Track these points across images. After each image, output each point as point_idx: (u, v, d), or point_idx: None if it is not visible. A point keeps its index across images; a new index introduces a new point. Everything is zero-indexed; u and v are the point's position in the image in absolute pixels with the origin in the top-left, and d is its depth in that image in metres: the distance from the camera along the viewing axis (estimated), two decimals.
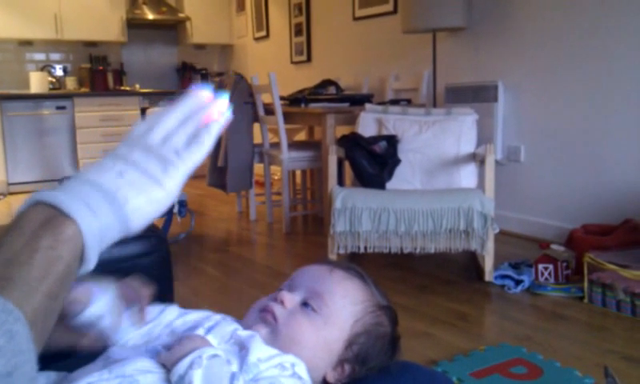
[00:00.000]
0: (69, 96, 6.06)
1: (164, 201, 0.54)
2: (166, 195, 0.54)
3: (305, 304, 0.71)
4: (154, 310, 0.72)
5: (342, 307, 0.71)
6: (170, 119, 0.58)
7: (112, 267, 1.03)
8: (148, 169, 0.54)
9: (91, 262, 0.50)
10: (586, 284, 2.35)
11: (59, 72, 6.40)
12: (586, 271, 2.35)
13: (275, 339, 0.67)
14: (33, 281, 0.45)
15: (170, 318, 0.71)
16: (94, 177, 0.52)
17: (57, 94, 6.07)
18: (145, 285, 0.73)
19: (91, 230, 0.48)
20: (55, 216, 0.48)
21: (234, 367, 0.59)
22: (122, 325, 0.67)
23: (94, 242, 0.49)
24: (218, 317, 0.71)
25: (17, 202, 5.33)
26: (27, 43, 6.23)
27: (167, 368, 0.59)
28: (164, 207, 0.55)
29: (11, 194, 5.74)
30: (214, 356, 0.58)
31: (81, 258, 0.49)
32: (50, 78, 6.22)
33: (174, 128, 0.57)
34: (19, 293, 0.44)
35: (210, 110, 0.59)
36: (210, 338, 0.65)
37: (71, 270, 0.48)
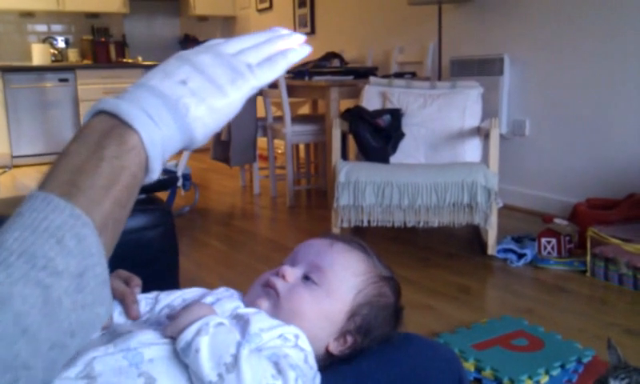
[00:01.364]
0: (71, 68, 6.03)
1: (226, 111, 0.53)
2: (229, 105, 0.53)
3: (306, 277, 0.71)
4: (147, 298, 0.71)
5: (343, 279, 0.72)
6: (247, 39, 0.57)
7: (118, 240, 1.04)
8: (214, 75, 0.53)
9: (155, 172, 0.50)
10: (588, 258, 2.36)
11: (61, 44, 6.36)
12: (589, 245, 2.36)
13: (277, 313, 0.68)
14: (100, 189, 0.46)
15: (167, 300, 0.71)
16: (156, 83, 0.51)
17: (59, 67, 6.04)
18: (133, 275, 0.73)
19: (153, 140, 0.49)
20: (118, 125, 0.48)
21: (237, 336, 0.60)
22: (114, 319, 0.67)
23: (156, 151, 0.49)
24: (219, 292, 0.72)
25: (21, 175, 5.35)
26: (29, 14, 6.17)
27: (173, 337, 0.60)
28: (226, 118, 0.54)
29: (15, 166, 5.76)
30: (221, 324, 0.59)
31: (145, 167, 0.49)
32: (52, 50, 6.18)
33: (251, 46, 0.56)
34: (87, 200, 0.45)
35: (288, 40, 0.58)
36: None
37: (136, 180, 0.49)
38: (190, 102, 0.51)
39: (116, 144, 0.47)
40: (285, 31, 0.59)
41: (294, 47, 0.58)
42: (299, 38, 0.59)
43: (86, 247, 0.44)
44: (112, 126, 0.48)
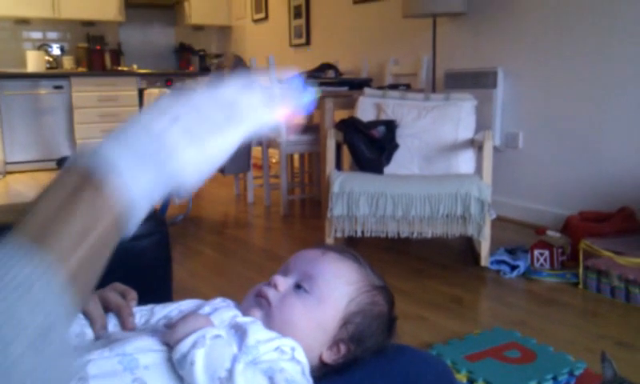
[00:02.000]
0: (66, 75, 6.02)
1: (218, 153, 0.50)
2: (222, 146, 0.50)
3: (298, 286, 0.71)
4: (142, 310, 0.71)
5: (335, 287, 0.72)
6: (259, 80, 0.54)
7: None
8: (210, 113, 0.50)
9: (137, 219, 0.47)
10: (581, 270, 2.37)
11: (56, 51, 6.36)
12: (581, 257, 2.37)
13: (269, 322, 0.68)
14: (73, 238, 0.43)
15: (163, 312, 0.71)
16: (148, 122, 0.48)
17: (54, 74, 6.03)
18: (129, 289, 0.73)
19: (137, 185, 0.46)
20: (97, 171, 0.46)
21: (234, 349, 0.60)
22: (109, 330, 0.67)
23: (137, 199, 0.46)
24: (216, 302, 0.72)
25: (14, 182, 5.33)
26: (24, 21, 6.17)
27: (170, 346, 0.59)
28: (218, 161, 0.51)
29: (8, 173, 5.73)
30: (217, 336, 0.59)
31: (123, 217, 0.46)
32: (46, 57, 6.17)
33: (258, 87, 0.53)
34: (58, 250, 0.42)
35: (300, 98, 0.55)
36: None
37: (112, 231, 0.46)
38: (180, 142, 0.48)
39: (94, 191, 0.45)
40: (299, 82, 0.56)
41: (302, 108, 0.55)
42: (309, 95, 0.56)
43: (53, 302, 0.40)
44: (92, 171, 0.46)
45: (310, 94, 0.56)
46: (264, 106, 0.53)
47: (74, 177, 0.45)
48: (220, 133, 0.50)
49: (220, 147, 0.50)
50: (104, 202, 0.45)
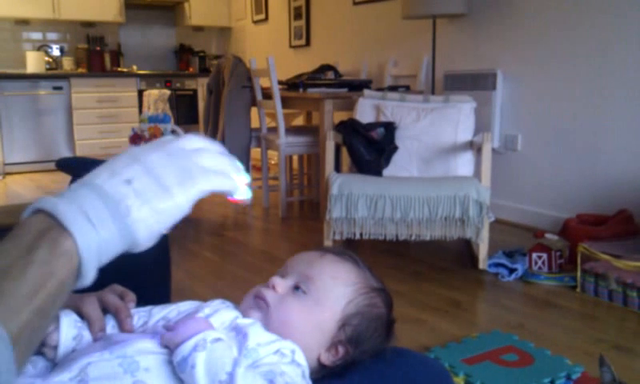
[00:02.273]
0: (65, 76, 6.02)
1: (172, 212, 0.51)
2: (175, 207, 0.51)
3: (296, 288, 0.72)
4: (140, 311, 0.72)
5: (332, 288, 0.72)
6: (204, 141, 0.56)
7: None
8: (162, 175, 0.51)
9: (88, 277, 0.47)
10: (579, 273, 2.37)
11: (56, 52, 6.36)
12: (579, 261, 2.37)
13: (268, 323, 0.69)
14: (22, 297, 0.43)
15: (162, 313, 0.71)
16: (101, 182, 0.49)
17: (53, 75, 6.03)
18: (127, 290, 0.73)
19: (89, 244, 0.46)
20: (53, 227, 0.46)
21: (234, 352, 0.60)
22: (107, 332, 0.67)
23: (91, 256, 0.47)
24: (215, 304, 0.72)
25: (12, 183, 5.32)
26: (24, 22, 6.17)
27: (169, 348, 0.60)
28: (172, 219, 0.51)
29: (7, 174, 5.73)
30: (218, 339, 0.59)
31: (77, 272, 0.47)
32: (46, 58, 6.17)
33: (208, 150, 0.55)
34: (6, 308, 0.42)
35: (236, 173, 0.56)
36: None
37: (64, 287, 0.46)
38: (133, 203, 0.49)
39: (48, 248, 0.45)
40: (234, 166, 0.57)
41: (240, 185, 0.56)
42: (244, 179, 0.57)
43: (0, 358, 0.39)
44: (48, 227, 0.46)
45: (243, 178, 0.57)
46: (215, 171, 0.54)
47: (29, 235, 0.46)
48: (171, 195, 0.51)
49: (172, 207, 0.51)
50: (57, 262, 0.45)
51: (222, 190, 0.54)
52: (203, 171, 0.53)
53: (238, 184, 0.55)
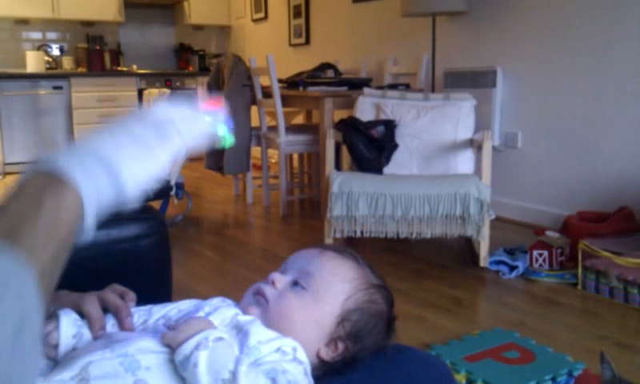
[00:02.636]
0: (65, 76, 6.01)
1: (154, 167, 0.59)
2: (157, 163, 0.59)
3: (295, 283, 0.72)
4: (140, 310, 0.72)
5: (331, 284, 0.72)
6: (174, 109, 0.63)
7: (111, 248, 1.04)
8: (146, 138, 0.58)
9: (90, 223, 0.53)
10: (580, 271, 2.37)
11: (56, 51, 6.35)
12: (580, 258, 2.37)
13: (267, 318, 0.69)
14: (40, 239, 0.47)
15: (162, 312, 0.71)
16: (94, 145, 0.56)
17: (53, 74, 6.02)
18: (128, 290, 0.73)
19: (88, 193, 0.52)
20: (56, 180, 0.51)
21: (236, 350, 0.60)
22: (107, 331, 0.67)
23: (90, 204, 0.52)
24: (215, 301, 0.72)
25: (12, 183, 5.33)
26: (23, 22, 6.17)
27: (171, 348, 0.60)
28: (155, 174, 0.59)
29: (7, 173, 5.73)
30: (220, 338, 0.59)
31: (81, 221, 0.52)
32: (46, 58, 6.17)
33: (182, 115, 0.63)
34: (28, 249, 0.46)
35: (218, 114, 0.66)
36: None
37: (72, 234, 0.51)
38: (123, 160, 0.56)
39: (53, 197, 0.50)
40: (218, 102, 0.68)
41: (220, 128, 0.66)
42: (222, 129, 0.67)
43: (29, 295, 0.44)
44: (50, 180, 0.51)
45: (224, 132, 0.67)
46: (188, 123, 0.63)
47: (36, 183, 0.51)
48: (153, 154, 0.59)
49: (155, 162, 0.59)
50: (63, 204, 0.50)
51: (198, 142, 0.63)
52: (179, 133, 0.61)
53: (209, 132, 0.65)
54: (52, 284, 0.49)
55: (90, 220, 0.52)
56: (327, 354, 0.71)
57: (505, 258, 2.60)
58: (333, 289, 0.72)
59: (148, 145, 0.58)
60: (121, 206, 0.56)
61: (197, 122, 0.64)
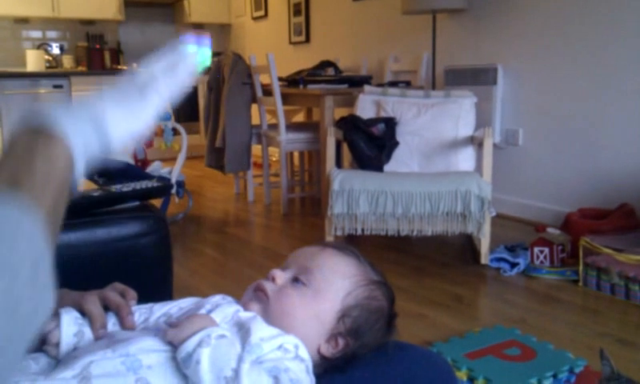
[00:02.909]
0: (65, 75, 6.01)
1: (140, 119, 0.63)
2: (140, 111, 0.63)
3: (295, 280, 0.72)
4: (141, 309, 0.72)
5: (332, 280, 0.73)
6: (156, 66, 0.68)
7: (112, 247, 1.04)
8: (126, 91, 0.63)
9: (79, 168, 0.56)
10: (581, 267, 2.37)
11: (56, 50, 6.35)
12: (581, 255, 2.37)
13: (267, 314, 0.69)
14: (39, 184, 0.51)
15: (163, 310, 0.71)
16: (81, 104, 0.60)
17: (53, 73, 6.02)
18: (129, 288, 0.73)
19: (75, 138, 0.55)
20: (42, 130, 0.54)
21: (238, 348, 0.60)
22: (109, 329, 0.67)
23: (78, 149, 0.56)
24: (216, 299, 0.72)
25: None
26: (23, 21, 6.16)
27: (173, 345, 0.60)
28: (139, 123, 0.63)
29: None
30: (222, 336, 0.59)
31: (71, 165, 0.55)
32: (46, 57, 6.17)
33: (159, 70, 0.67)
34: (30, 195, 0.49)
35: (192, 58, 0.70)
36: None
37: (67, 178, 0.54)
38: (106, 108, 0.60)
39: (43, 145, 0.53)
40: (191, 48, 0.71)
41: (194, 62, 0.70)
42: (202, 56, 0.72)
43: (39, 237, 0.47)
44: (38, 131, 0.54)
45: (200, 55, 0.71)
46: (168, 77, 0.67)
47: (27, 136, 0.54)
48: (135, 102, 0.63)
49: (138, 111, 0.63)
50: (55, 150, 0.54)
51: (177, 83, 0.67)
52: (156, 81, 0.65)
53: (187, 69, 0.69)
54: (56, 228, 0.52)
55: (80, 167, 0.56)
56: (327, 350, 0.71)
57: (506, 255, 2.60)
58: (333, 285, 0.72)
59: (131, 103, 0.63)
60: (106, 149, 0.60)
61: (176, 73, 0.68)
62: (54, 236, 0.52)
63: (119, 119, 0.60)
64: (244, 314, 0.68)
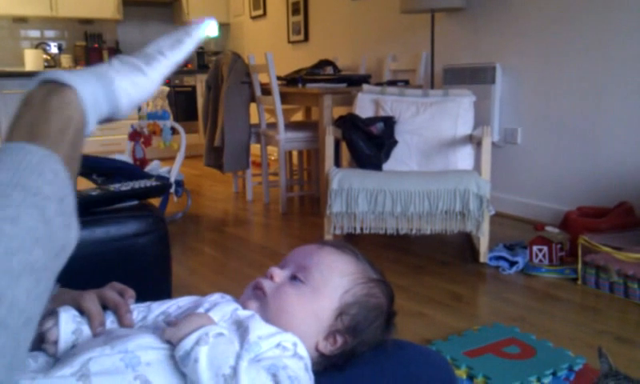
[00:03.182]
0: None
1: (146, 85, 0.67)
2: (147, 81, 0.67)
3: (293, 277, 0.73)
4: (139, 307, 0.72)
5: (329, 277, 0.73)
6: (162, 39, 0.72)
7: (111, 246, 1.04)
8: (134, 62, 0.67)
9: (91, 124, 0.60)
10: (579, 266, 2.37)
11: (54, 49, 6.34)
12: (580, 253, 2.37)
13: (265, 312, 0.69)
14: (56, 134, 0.55)
15: (161, 308, 0.71)
16: (89, 67, 0.63)
17: None
18: (127, 287, 0.73)
19: (86, 95, 0.59)
20: (56, 87, 0.58)
21: (236, 346, 0.60)
22: (107, 327, 0.67)
23: (90, 105, 0.59)
24: (215, 297, 0.72)
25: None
26: (22, 20, 6.16)
27: (172, 343, 0.60)
28: (147, 93, 0.67)
29: None
30: (220, 334, 0.59)
31: (84, 118, 0.59)
32: (44, 56, 6.16)
33: (164, 39, 0.72)
34: (50, 142, 0.54)
35: (198, 31, 0.74)
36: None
37: (80, 127, 0.58)
38: (115, 75, 0.63)
39: (57, 99, 0.57)
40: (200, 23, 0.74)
41: (197, 22, 0.73)
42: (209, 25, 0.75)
43: (61, 179, 0.53)
44: (52, 87, 0.58)
45: (209, 26, 0.74)
46: (173, 48, 0.71)
47: (41, 92, 0.58)
48: (144, 72, 0.67)
49: (146, 81, 0.67)
50: (69, 104, 0.57)
51: (181, 54, 0.72)
52: (162, 53, 0.70)
53: (192, 42, 0.73)
54: (74, 173, 0.57)
55: (92, 124, 0.60)
56: (326, 348, 0.71)
57: (505, 254, 2.60)
58: (331, 282, 0.72)
59: (137, 66, 0.66)
60: (114, 116, 0.64)
61: (182, 45, 0.72)
62: (74, 178, 0.56)
63: (127, 85, 0.64)
64: (242, 313, 0.68)
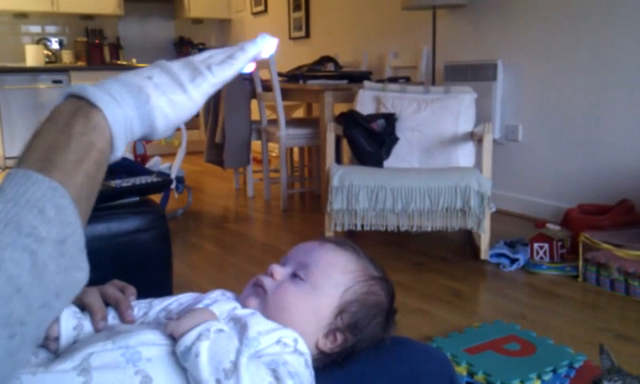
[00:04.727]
0: (65, 70, 6.00)
1: (186, 105, 0.58)
2: (188, 100, 0.58)
3: (294, 275, 0.73)
4: (140, 303, 0.72)
5: (330, 275, 0.72)
6: (216, 52, 0.64)
7: (112, 242, 1.04)
8: (177, 75, 0.58)
9: (119, 150, 0.54)
10: (580, 263, 2.37)
11: (55, 45, 6.34)
12: (581, 250, 2.37)
13: (265, 309, 0.69)
14: (72, 163, 0.50)
15: (162, 304, 0.72)
16: (124, 76, 0.56)
17: (53, 68, 6.01)
18: (128, 285, 0.73)
19: (116, 119, 0.53)
20: (84, 106, 0.52)
21: (236, 342, 0.60)
22: (108, 323, 0.68)
23: (119, 129, 0.53)
24: (215, 294, 0.72)
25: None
26: (22, 15, 6.15)
27: (172, 338, 0.60)
28: (186, 113, 0.59)
29: (7, 168, 5.73)
30: (221, 330, 0.59)
31: (110, 144, 0.53)
32: (45, 52, 6.16)
33: (217, 53, 0.64)
34: (61, 173, 0.49)
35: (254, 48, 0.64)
36: None
37: (104, 155, 0.53)
38: (152, 92, 0.56)
39: (83, 122, 0.51)
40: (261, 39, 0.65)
41: (257, 43, 0.64)
42: (269, 43, 0.65)
43: (65, 216, 0.47)
44: (79, 106, 0.52)
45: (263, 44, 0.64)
46: (222, 64, 0.61)
47: (65, 113, 0.52)
48: (185, 90, 0.58)
49: (186, 100, 0.58)
50: (93, 133, 0.52)
51: (231, 72, 0.62)
52: (210, 69, 0.60)
53: (245, 59, 0.63)
54: (90, 202, 0.52)
55: (119, 141, 0.54)
56: (326, 345, 0.71)
57: (505, 251, 2.60)
58: (331, 280, 0.72)
59: (180, 81, 0.58)
60: (150, 136, 0.58)
61: (233, 62, 0.63)
62: (88, 208, 0.51)
63: (164, 104, 0.57)
64: (242, 311, 0.68)
